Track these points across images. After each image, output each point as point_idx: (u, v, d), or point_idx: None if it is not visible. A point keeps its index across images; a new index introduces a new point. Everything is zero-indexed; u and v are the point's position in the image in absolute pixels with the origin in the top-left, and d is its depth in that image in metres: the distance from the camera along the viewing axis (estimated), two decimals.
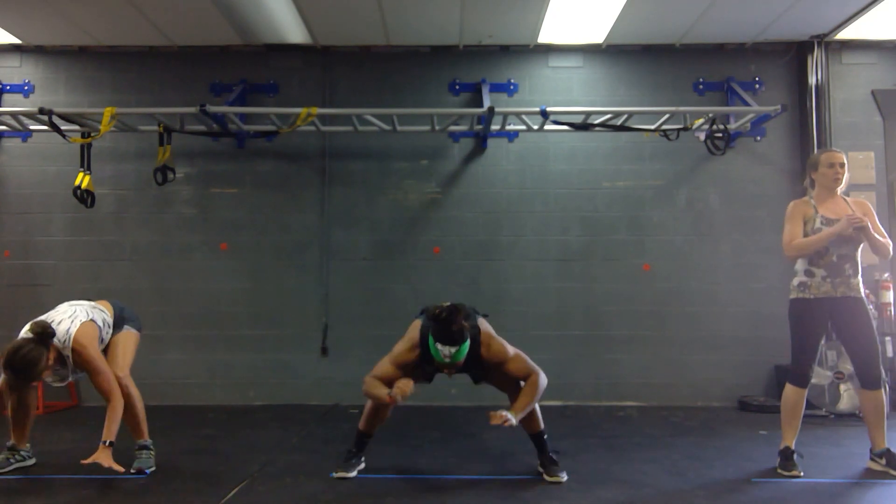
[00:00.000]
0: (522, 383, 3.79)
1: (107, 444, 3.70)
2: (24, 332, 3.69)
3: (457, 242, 6.46)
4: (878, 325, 5.78)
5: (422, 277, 6.40)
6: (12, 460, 4.06)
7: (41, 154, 6.49)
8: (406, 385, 3.63)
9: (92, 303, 4.13)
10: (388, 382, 3.74)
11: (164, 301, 6.40)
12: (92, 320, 3.92)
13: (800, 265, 4.12)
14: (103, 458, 3.67)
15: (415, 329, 3.90)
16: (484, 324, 3.91)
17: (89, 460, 3.65)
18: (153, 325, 6.28)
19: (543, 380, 3.74)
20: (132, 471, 3.95)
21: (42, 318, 3.85)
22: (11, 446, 4.09)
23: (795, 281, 4.13)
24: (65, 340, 3.75)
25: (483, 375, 3.90)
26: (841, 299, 4.01)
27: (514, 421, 3.58)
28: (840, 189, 4.11)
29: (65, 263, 6.44)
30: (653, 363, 6.33)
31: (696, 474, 4.00)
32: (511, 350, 3.82)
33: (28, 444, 4.17)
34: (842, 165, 4.05)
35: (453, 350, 3.59)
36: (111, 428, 3.73)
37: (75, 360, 3.78)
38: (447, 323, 3.57)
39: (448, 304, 3.67)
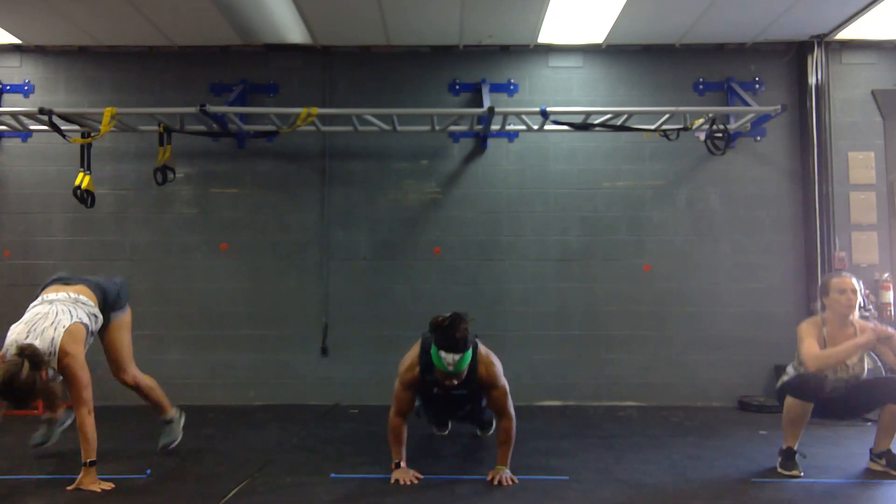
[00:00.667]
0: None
1: (88, 464, 3.68)
2: (12, 354, 3.51)
3: (457, 242, 6.46)
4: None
5: (422, 277, 6.40)
6: (52, 433, 4.27)
7: (41, 154, 6.49)
8: (408, 479, 3.82)
9: (71, 295, 3.89)
10: (408, 403, 3.91)
11: (164, 301, 6.40)
12: (78, 321, 3.78)
13: (792, 375, 4.12)
14: (87, 482, 3.65)
15: (414, 348, 3.93)
16: (483, 346, 3.94)
17: (73, 486, 3.64)
18: (153, 325, 6.30)
19: (514, 427, 3.90)
20: (159, 447, 4.21)
21: (22, 329, 3.67)
22: (48, 419, 4.23)
23: (786, 378, 4.15)
24: (51, 352, 3.63)
25: (476, 392, 3.93)
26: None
27: (511, 474, 3.81)
28: (852, 315, 4.08)
29: (65, 263, 6.41)
30: (653, 363, 6.33)
31: (696, 474, 4.00)
32: (501, 379, 3.88)
33: (60, 411, 4.33)
34: (854, 291, 4.04)
35: (456, 357, 3.60)
36: (86, 446, 3.67)
37: (59, 367, 3.69)
38: (451, 329, 3.58)
39: (451, 312, 3.67)
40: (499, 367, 3.90)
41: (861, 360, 4.05)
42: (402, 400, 3.89)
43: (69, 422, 4.24)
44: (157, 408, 4.25)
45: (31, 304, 3.89)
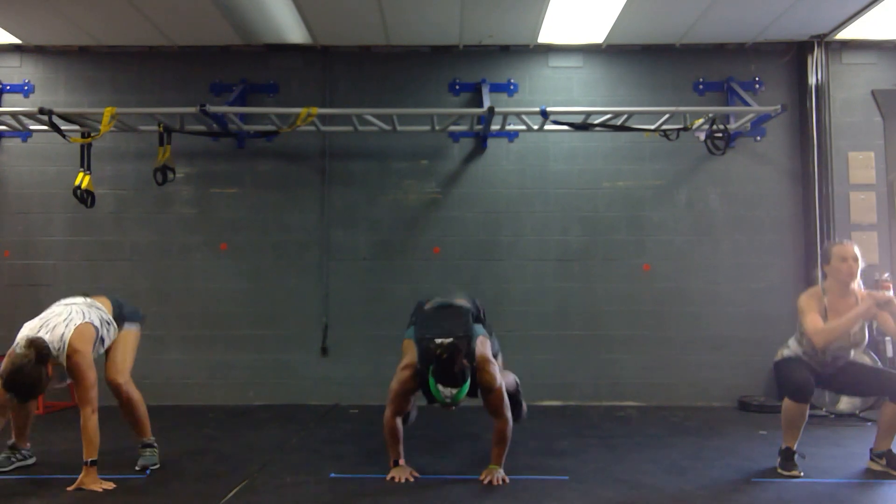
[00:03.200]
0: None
1: (89, 463, 3.68)
2: (21, 347, 3.58)
3: (457, 242, 6.45)
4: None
5: (422, 277, 6.40)
6: (13, 459, 4.07)
7: (41, 154, 6.49)
8: (406, 476, 3.84)
9: (88, 300, 4.02)
10: (405, 405, 3.95)
11: (164, 301, 6.40)
12: (89, 322, 3.83)
13: (794, 347, 4.15)
14: (88, 481, 3.65)
15: (411, 352, 3.89)
16: (480, 346, 3.89)
17: (74, 486, 3.64)
18: (153, 325, 6.26)
19: (510, 429, 3.88)
20: (136, 468, 3.99)
21: (36, 323, 3.76)
22: (12, 445, 4.10)
23: (785, 352, 4.17)
24: (59, 347, 3.67)
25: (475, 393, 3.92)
26: (829, 373, 4.09)
27: (504, 474, 3.80)
28: (854, 283, 4.06)
29: (65, 263, 6.44)
30: (653, 363, 6.33)
31: (696, 474, 4.00)
32: (498, 380, 3.84)
33: (28, 444, 4.18)
34: (855, 259, 4.01)
35: (454, 391, 3.60)
36: (90, 447, 3.68)
37: (67, 366, 3.71)
38: (449, 364, 3.56)
39: (449, 342, 3.64)
40: (496, 368, 3.88)
41: (862, 329, 4.02)
42: (400, 402, 3.89)
43: (30, 462, 4.18)
44: (137, 427, 4.10)
45: (50, 307, 3.96)
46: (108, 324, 4.01)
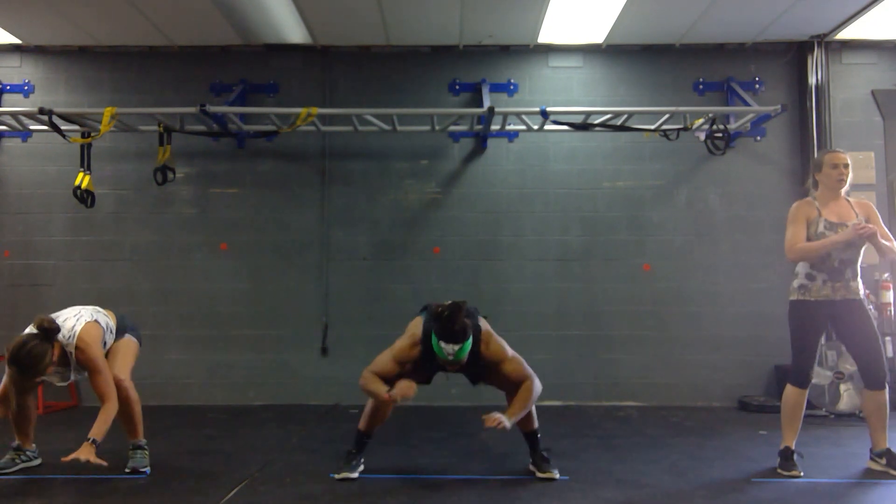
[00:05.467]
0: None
1: (91, 441, 3.67)
2: (30, 328, 3.68)
3: (457, 242, 6.46)
4: (879, 324, 5.77)
5: (422, 277, 6.40)
6: (17, 461, 4.06)
7: (41, 154, 6.49)
8: (409, 388, 3.65)
9: (96, 307, 4.15)
10: (387, 379, 3.74)
11: (164, 301, 6.40)
12: (96, 321, 3.96)
13: (801, 268, 4.12)
14: (84, 452, 3.62)
15: (416, 326, 3.89)
16: (485, 323, 3.92)
17: (70, 457, 3.62)
18: (153, 325, 6.30)
19: (538, 386, 3.76)
20: (126, 470, 3.95)
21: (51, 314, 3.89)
22: (17, 447, 4.10)
23: (796, 283, 4.13)
24: (69, 337, 3.78)
25: (481, 375, 3.89)
26: (841, 302, 4.00)
27: (507, 424, 3.56)
28: (844, 190, 4.09)
29: (65, 263, 6.44)
30: (653, 363, 6.33)
31: (696, 474, 4.00)
32: (509, 351, 3.82)
33: (34, 445, 4.17)
34: (846, 166, 4.03)
35: (456, 348, 3.59)
36: (100, 427, 3.69)
37: (78, 358, 3.80)
38: (450, 321, 3.56)
39: (451, 302, 3.66)
40: (502, 341, 3.83)
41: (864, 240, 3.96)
42: (386, 369, 3.76)
43: (35, 463, 4.17)
44: (130, 426, 4.06)
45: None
46: (112, 332, 4.12)
